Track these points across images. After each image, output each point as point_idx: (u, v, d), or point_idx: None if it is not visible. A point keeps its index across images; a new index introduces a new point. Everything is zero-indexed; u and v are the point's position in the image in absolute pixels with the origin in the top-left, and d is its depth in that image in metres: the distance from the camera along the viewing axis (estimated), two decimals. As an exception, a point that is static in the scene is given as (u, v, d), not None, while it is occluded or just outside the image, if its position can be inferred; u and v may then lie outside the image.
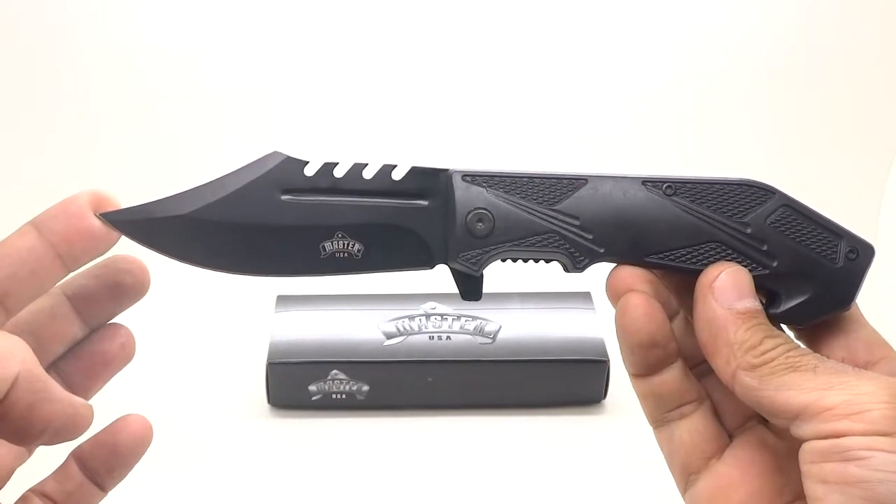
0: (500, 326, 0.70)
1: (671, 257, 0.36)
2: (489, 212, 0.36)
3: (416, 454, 0.66)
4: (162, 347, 0.73)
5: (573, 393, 0.70)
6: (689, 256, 0.36)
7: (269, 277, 0.37)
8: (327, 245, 0.36)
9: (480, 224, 0.36)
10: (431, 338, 0.69)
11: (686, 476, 0.38)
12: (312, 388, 0.68)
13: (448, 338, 0.69)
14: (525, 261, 0.38)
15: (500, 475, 0.64)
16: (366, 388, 0.68)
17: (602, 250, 0.37)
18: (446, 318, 0.70)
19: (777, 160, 0.87)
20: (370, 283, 0.74)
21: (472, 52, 0.85)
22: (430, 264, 0.37)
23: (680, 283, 0.38)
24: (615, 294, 0.37)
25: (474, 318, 0.70)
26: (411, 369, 0.68)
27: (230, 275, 0.36)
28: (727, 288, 0.35)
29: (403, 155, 0.39)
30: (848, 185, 0.87)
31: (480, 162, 0.38)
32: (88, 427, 0.33)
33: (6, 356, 0.31)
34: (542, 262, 0.38)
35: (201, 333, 0.76)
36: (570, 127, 0.87)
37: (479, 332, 0.69)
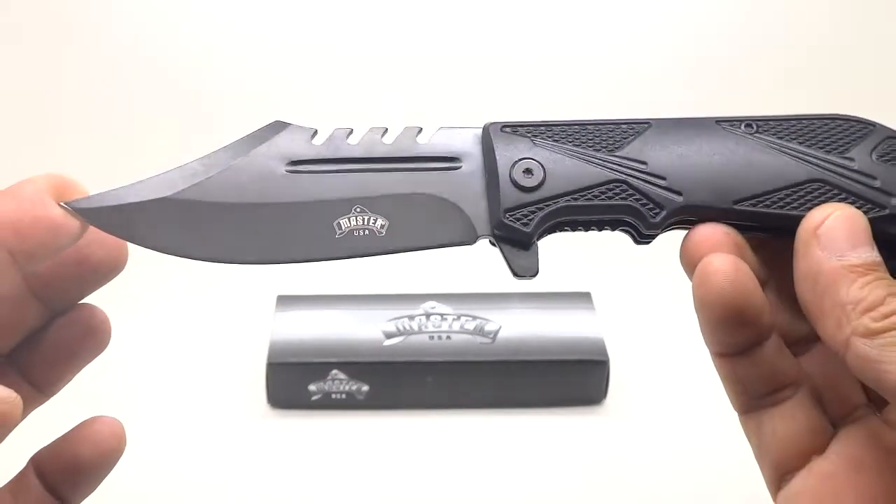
0: (500, 326, 0.70)
1: (766, 202, 0.30)
2: (538, 161, 0.31)
3: (416, 454, 0.66)
4: (162, 347, 0.73)
5: (573, 393, 0.70)
6: (788, 201, 0.30)
7: (274, 265, 0.31)
8: (343, 222, 0.30)
9: (528, 175, 0.30)
10: (431, 338, 0.69)
11: (780, 474, 0.32)
12: (312, 387, 0.68)
13: (448, 338, 0.69)
14: (586, 227, 0.31)
15: (501, 475, 0.64)
16: (366, 388, 0.68)
17: (680, 197, 0.30)
18: (446, 318, 0.70)
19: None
20: (370, 284, 0.74)
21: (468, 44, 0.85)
22: (470, 237, 0.31)
23: (769, 249, 0.31)
24: (692, 258, 0.30)
25: (474, 317, 0.70)
26: (411, 369, 0.68)
27: (227, 265, 0.30)
28: (837, 234, 0.28)
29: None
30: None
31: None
32: (14, 423, 0.27)
33: None
34: (606, 229, 0.31)
35: (201, 333, 0.76)
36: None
37: (479, 332, 0.69)
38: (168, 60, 0.84)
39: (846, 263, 0.28)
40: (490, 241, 0.31)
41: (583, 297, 0.72)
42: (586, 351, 0.69)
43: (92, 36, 0.83)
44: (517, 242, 0.30)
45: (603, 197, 0.30)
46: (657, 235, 0.31)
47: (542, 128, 0.31)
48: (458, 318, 0.70)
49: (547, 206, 0.30)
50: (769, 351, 0.30)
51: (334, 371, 0.67)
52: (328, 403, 0.68)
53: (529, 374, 0.69)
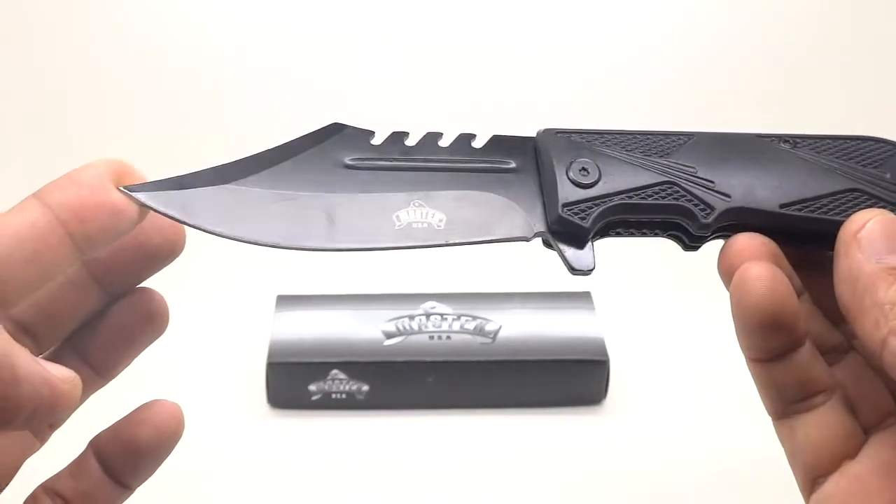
0: (500, 326, 0.70)
1: (810, 207, 0.32)
2: (593, 161, 0.32)
3: (416, 454, 0.66)
4: (161, 347, 0.72)
5: (573, 393, 0.70)
6: (830, 207, 0.32)
7: (332, 252, 0.31)
8: (402, 214, 0.31)
9: (585, 173, 0.31)
10: (431, 338, 0.69)
11: (812, 478, 0.32)
12: (312, 387, 0.68)
13: (448, 338, 0.69)
14: (638, 228, 0.32)
15: (501, 475, 0.64)
16: (366, 387, 0.68)
17: (729, 199, 0.31)
18: (446, 318, 0.70)
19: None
20: (370, 284, 0.74)
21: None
22: (527, 232, 0.32)
23: (803, 261, 0.33)
24: (730, 266, 0.31)
25: (474, 317, 0.70)
26: (411, 369, 0.68)
27: (284, 249, 0.31)
28: (876, 237, 0.30)
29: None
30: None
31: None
32: (75, 404, 0.27)
33: None
34: (657, 232, 0.32)
35: (201, 333, 0.76)
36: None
37: (479, 331, 0.69)
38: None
39: (885, 266, 0.29)
40: (543, 241, 0.32)
41: (583, 297, 0.72)
42: (586, 351, 0.69)
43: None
44: (574, 238, 0.31)
45: (656, 197, 0.32)
46: (706, 240, 0.32)
47: (594, 134, 0.33)
48: (458, 318, 0.70)
49: (603, 202, 0.31)
50: (803, 357, 0.31)
51: (334, 371, 0.67)
52: (328, 403, 0.68)
53: (529, 374, 0.69)
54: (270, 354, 0.67)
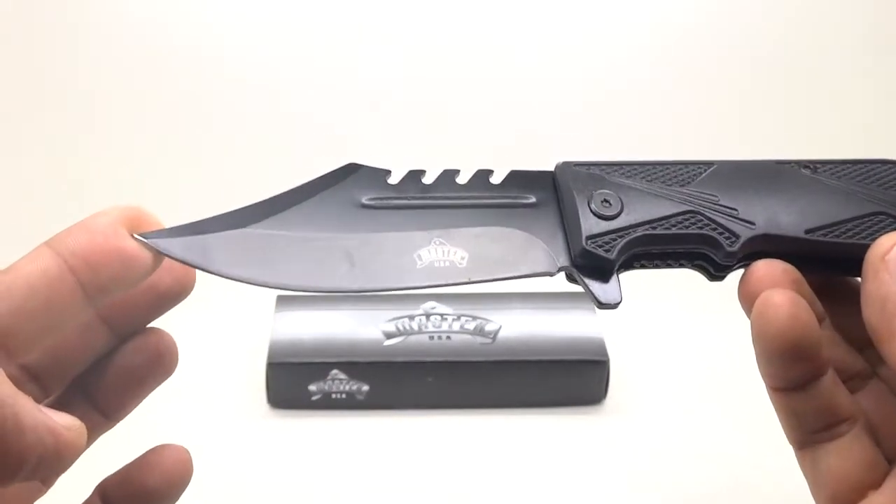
0: (500, 326, 0.70)
1: (835, 232, 0.31)
2: (614, 192, 0.31)
3: (416, 454, 0.66)
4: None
5: (573, 393, 0.70)
6: (855, 231, 0.32)
7: (354, 293, 0.31)
8: (423, 253, 0.30)
9: (607, 205, 0.31)
10: (431, 338, 0.69)
11: None
12: (312, 387, 0.68)
13: (448, 338, 0.69)
14: (663, 260, 0.32)
15: (501, 475, 0.64)
16: (366, 388, 0.68)
17: (753, 226, 0.31)
18: (446, 318, 0.70)
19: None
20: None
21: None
22: (550, 267, 0.31)
23: (825, 287, 0.32)
24: (751, 293, 0.30)
25: (474, 317, 0.70)
26: (411, 369, 0.68)
27: (306, 292, 0.31)
28: None
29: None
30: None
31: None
32: (80, 452, 0.27)
33: None
34: (682, 263, 0.32)
35: (201, 333, 0.76)
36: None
37: (479, 332, 0.69)
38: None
39: None
40: (567, 276, 0.32)
41: (583, 297, 0.71)
42: (586, 351, 0.69)
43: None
44: (598, 271, 0.31)
45: (680, 226, 0.31)
46: (731, 269, 0.32)
47: (614, 166, 0.32)
48: (458, 318, 0.70)
49: (627, 233, 0.31)
50: (826, 386, 0.31)
51: (334, 371, 0.67)
52: (328, 403, 0.68)
53: (529, 374, 0.69)
54: (270, 354, 0.67)
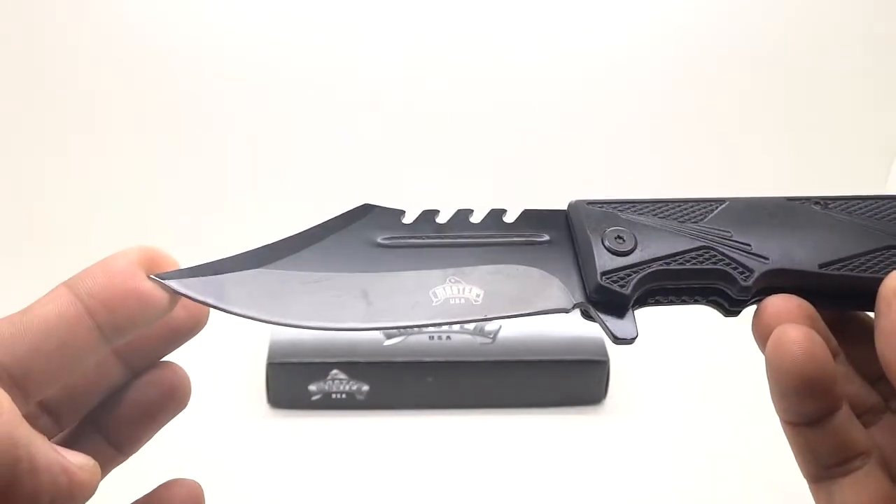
0: (500, 326, 0.70)
1: (849, 266, 0.31)
2: (628, 229, 0.32)
3: (416, 454, 0.66)
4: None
5: (573, 393, 0.70)
6: (869, 265, 0.32)
7: (373, 332, 0.31)
8: (439, 290, 0.31)
9: (621, 241, 0.31)
10: (431, 338, 0.69)
11: None
12: (312, 387, 0.68)
13: (448, 338, 0.69)
14: (678, 296, 0.32)
15: (501, 475, 0.64)
16: (366, 388, 0.68)
17: (767, 261, 0.31)
18: (446, 318, 0.70)
19: (777, 160, 0.87)
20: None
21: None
22: (566, 304, 0.32)
23: (839, 323, 0.33)
24: (766, 328, 0.30)
25: (474, 318, 0.70)
26: (411, 369, 0.68)
27: (323, 331, 0.30)
28: None
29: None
30: (848, 185, 0.87)
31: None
32: (93, 491, 0.27)
33: None
34: (697, 299, 0.32)
35: (201, 333, 0.76)
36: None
37: (479, 332, 0.69)
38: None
39: None
40: (583, 313, 0.32)
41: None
42: (586, 351, 0.69)
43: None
44: (614, 306, 0.31)
45: (694, 262, 0.31)
46: (746, 304, 0.32)
47: (626, 203, 0.33)
48: (458, 318, 0.70)
49: (642, 269, 0.31)
50: (840, 421, 0.31)
51: (334, 371, 0.67)
52: (328, 403, 0.68)
53: (529, 374, 0.69)
54: (270, 354, 0.67)
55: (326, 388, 0.68)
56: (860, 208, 0.33)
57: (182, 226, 0.82)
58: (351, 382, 0.68)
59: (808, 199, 0.34)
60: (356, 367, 0.67)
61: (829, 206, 0.33)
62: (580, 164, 0.86)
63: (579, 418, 0.69)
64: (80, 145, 0.82)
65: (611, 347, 0.69)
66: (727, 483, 0.64)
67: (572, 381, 0.69)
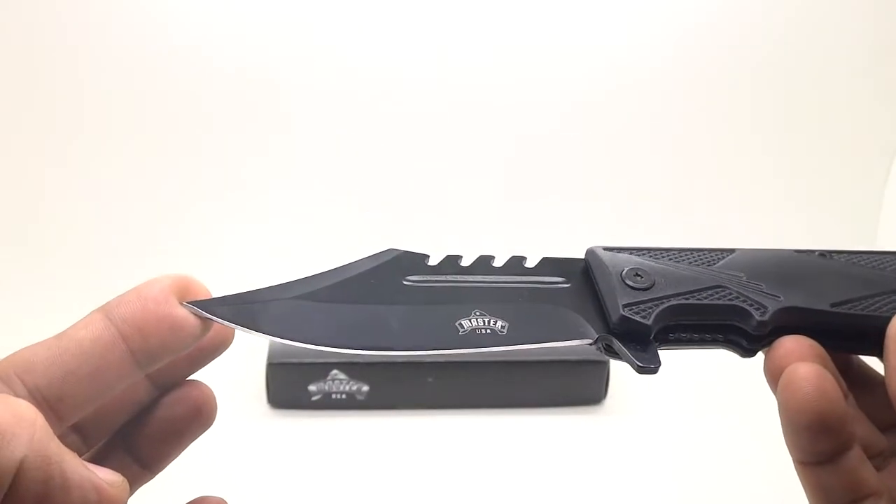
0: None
1: (860, 305, 0.32)
2: (645, 269, 0.33)
3: (416, 454, 0.66)
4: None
5: (573, 393, 0.70)
6: (879, 304, 0.32)
7: (401, 353, 0.31)
8: (464, 322, 0.32)
9: (639, 278, 0.33)
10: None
11: None
12: (312, 388, 0.68)
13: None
14: (698, 333, 0.33)
15: (501, 475, 0.64)
16: (366, 388, 0.68)
17: (780, 297, 0.32)
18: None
19: (777, 160, 0.87)
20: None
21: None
22: (589, 336, 0.32)
23: (849, 366, 0.33)
24: (777, 368, 0.31)
25: (474, 318, 0.70)
26: (411, 369, 0.68)
27: (352, 351, 0.31)
28: None
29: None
30: (848, 185, 0.87)
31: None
32: None
33: (9, 433, 0.24)
34: (717, 337, 0.33)
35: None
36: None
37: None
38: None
39: None
40: (605, 348, 0.32)
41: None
42: (586, 351, 0.68)
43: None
44: (636, 337, 0.32)
45: (711, 298, 0.32)
46: (762, 342, 0.32)
47: (641, 250, 0.34)
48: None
49: (661, 302, 0.32)
50: (852, 460, 0.31)
51: (334, 371, 0.67)
52: (328, 403, 0.68)
53: (529, 374, 0.69)
54: (270, 354, 0.67)
55: (326, 388, 0.68)
56: (862, 260, 0.35)
57: (181, 229, 0.82)
58: (351, 382, 0.68)
59: (812, 251, 0.35)
60: (356, 367, 0.67)
61: (834, 257, 0.35)
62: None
63: (579, 418, 0.69)
64: (81, 145, 0.82)
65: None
66: (727, 483, 0.64)
67: (572, 381, 0.69)
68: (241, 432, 0.67)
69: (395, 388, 0.69)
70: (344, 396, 0.68)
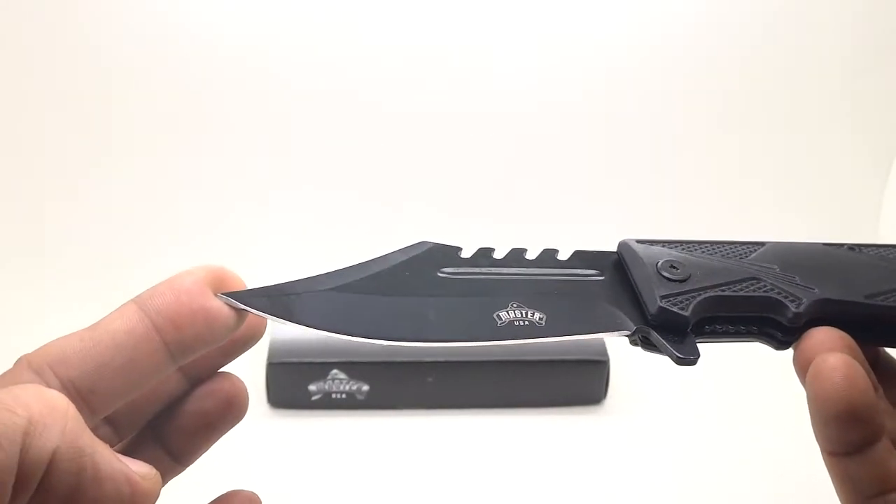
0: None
1: (893, 298, 0.32)
2: (680, 261, 0.33)
3: (416, 454, 0.66)
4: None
5: (573, 393, 0.70)
6: None
7: (439, 345, 0.31)
8: (502, 314, 0.32)
9: (675, 270, 0.33)
10: (431, 338, 0.69)
11: None
12: (312, 387, 0.68)
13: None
14: (734, 325, 0.33)
15: (501, 475, 0.64)
16: (366, 388, 0.68)
17: (815, 290, 0.32)
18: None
19: (777, 160, 0.87)
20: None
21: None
22: (627, 327, 0.32)
23: (877, 361, 0.33)
24: (806, 359, 0.31)
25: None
26: (411, 369, 0.68)
27: (387, 342, 0.31)
28: None
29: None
30: (848, 185, 0.87)
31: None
32: (155, 500, 0.27)
33: (41, 424, 0.24)
34: (752, 330, 0.33)
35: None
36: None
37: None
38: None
39: None
40: (643, 341, 0.33)
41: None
42: (586, 351, 0.69)
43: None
44: (674, 329, 0.32)
45: (746, 290, 0.32)
46: (797, 334, 0.32)
47: (674, 243, 0.34)
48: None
49: (698, 294, 0.32)
50: (881, 451, 0.31)
51: (334, 371, 0.67)
52: (328, 403, 0.68)
53: (529, 374, 0.69)
54: (270, 354, 0.67)
55: (326, 387, 0.68)
56: (891, 254, 0.34)
57: (201, 223, 0.82)
58: (351, 382, 0.68)
59: (841, 244, 0.35)
60: (356, 367, 0.67)
61: (863, 250, 0.34)
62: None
63: (579, 418, 0.69)
64: (81, 146, 0.82)
65: (611, 347, 0.69)
66: (727, 483, 0.64)
67: (572, 381, 0.69)
68: (241, 432, 0.67)
69: (395, 388, 0.68)
70: (344, 396, 0.68)
